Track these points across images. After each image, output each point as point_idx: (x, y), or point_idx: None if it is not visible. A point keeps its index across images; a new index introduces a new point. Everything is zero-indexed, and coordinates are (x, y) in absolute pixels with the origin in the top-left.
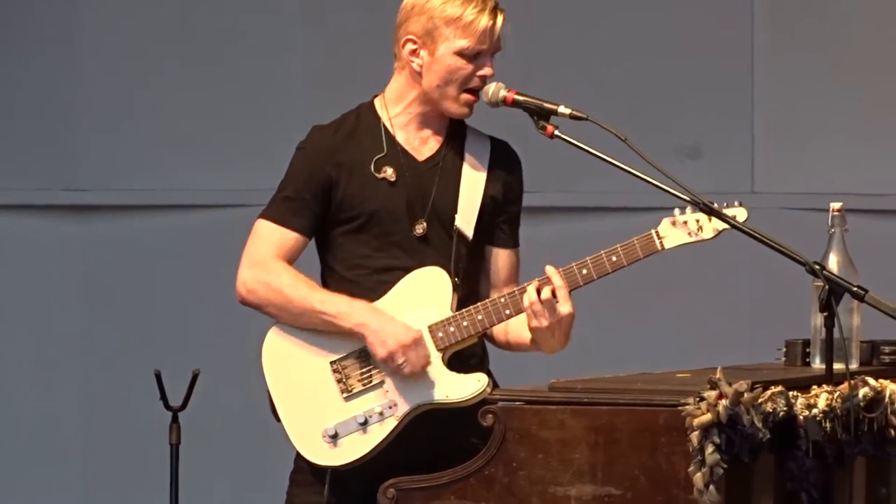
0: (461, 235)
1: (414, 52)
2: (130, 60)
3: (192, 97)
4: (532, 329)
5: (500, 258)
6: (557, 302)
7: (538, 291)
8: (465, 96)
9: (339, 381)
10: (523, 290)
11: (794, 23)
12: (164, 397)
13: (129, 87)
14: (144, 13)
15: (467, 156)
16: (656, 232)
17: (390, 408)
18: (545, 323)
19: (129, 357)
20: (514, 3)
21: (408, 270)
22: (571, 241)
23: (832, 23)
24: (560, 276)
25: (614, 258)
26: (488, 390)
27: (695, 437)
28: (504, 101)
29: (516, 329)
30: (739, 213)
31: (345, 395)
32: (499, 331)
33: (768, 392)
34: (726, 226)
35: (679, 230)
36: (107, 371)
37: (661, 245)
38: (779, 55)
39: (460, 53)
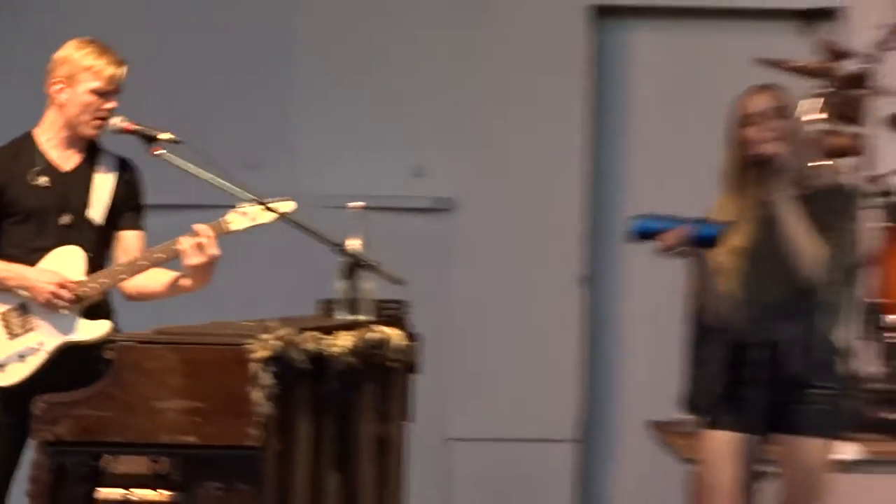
0: (93, 223)
1: (60, 91)
2: None
3: None
4: (191, 267)
5: (128, 238)
6: (207, 246)
7: (194, 239)
8: (96, 122)
9: (5, 326)
10: (174, 242)
11: (333, 45)
12: None
13: None
14: None
15: (100, 166)
16: (225, 219)
17: (42, 344)
18: (203, 259)
19: None
20: (122, 50)
21: (54, 249)
22: (174, 229)
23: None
24: (209, 228)
25: (197, 237)
26: (112, 333)
27: (255, 367)
28: (122, 129)
29: (144, 285)
30: (288, 206)
31: (9, 336)
32: (129, 288)
33: (307, 335)
34: (276, 214)
35: (242, 218)
36: None
37: (229, 227)
38: (314, 88)
39: (93, 92)
